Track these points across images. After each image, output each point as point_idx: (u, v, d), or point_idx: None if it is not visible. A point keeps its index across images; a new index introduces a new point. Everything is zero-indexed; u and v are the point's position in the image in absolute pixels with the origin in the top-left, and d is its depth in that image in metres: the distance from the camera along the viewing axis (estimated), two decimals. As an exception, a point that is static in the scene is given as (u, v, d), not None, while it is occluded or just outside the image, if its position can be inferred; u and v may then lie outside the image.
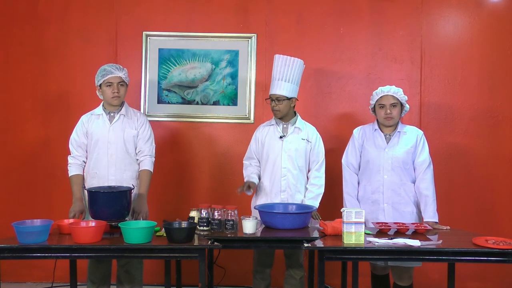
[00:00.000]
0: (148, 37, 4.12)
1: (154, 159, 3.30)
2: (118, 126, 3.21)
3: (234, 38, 4.10)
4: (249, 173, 3.35)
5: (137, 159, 3.27)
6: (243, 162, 3.45)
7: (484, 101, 4.01)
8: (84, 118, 3.25)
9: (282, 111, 3.25)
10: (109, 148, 3.18)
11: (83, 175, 3.21)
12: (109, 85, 3.14)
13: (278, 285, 3.62)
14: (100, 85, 3.18)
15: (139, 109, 4.05)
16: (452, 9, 4.03)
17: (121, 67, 3.23)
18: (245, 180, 3.31)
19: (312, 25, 4.08)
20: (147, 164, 3.25)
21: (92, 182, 3.15)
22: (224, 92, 4.12)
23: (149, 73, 4.12)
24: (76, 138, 3.22)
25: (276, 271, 3.49)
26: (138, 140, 3.27)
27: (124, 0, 4.14)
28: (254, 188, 3.26)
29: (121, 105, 3.25)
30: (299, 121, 3.33)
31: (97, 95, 3.27)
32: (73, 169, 3.18)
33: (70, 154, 3.22)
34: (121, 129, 3.21)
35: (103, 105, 3.26)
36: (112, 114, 3.23)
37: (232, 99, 4.12)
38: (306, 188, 3.29)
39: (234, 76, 4.11)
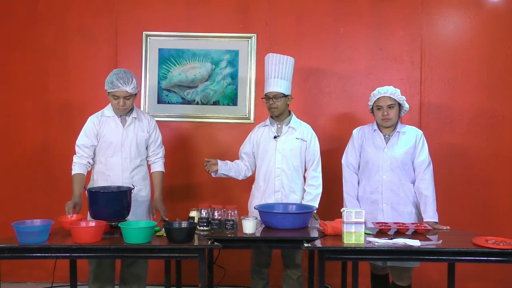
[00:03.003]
0: (148, 37, 4.12)
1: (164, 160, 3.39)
2: (131, 129, 3.20)
3: (234, 38, 4.10)
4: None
5: (148, 161, 3.33)
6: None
7: (484, 101, 4.01)
8: (94, 119, 3.18)
9: (280, 108, 3.24)
10: (123, 151, 3.17)
11: (86, 176, 3.18)
12: (115, 98, 3.09)
13: (277, 285, 3.62)
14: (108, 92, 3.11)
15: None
16: (452, 9, 4.03)
17: (131, 78, 3.07)
18: None
19: (312, 25, 4.08)
20: (161, 165, 3.35)
21: (103, 184, 3.11)
22: (224, 92, 4.12)
23: (149, 73, 4.12)
24: (85, 139, 3.14)
25: (276, 271, 3.49)
26: (151, 143, 3.30)
27: (124, 0, 4.13)
28: (215, 165, 3.27)
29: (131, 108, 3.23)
30: (294, 120, 3.33)
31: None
32: (76, 168, 3.14)
33: (75, 154, 3.16)
34: (134, 132, 3.20)
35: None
36: (123, 117, 3.21)
37: (232, 99, 4.12)
38: (303, 190, 3.29)
39: (234, 76, 4.11)
